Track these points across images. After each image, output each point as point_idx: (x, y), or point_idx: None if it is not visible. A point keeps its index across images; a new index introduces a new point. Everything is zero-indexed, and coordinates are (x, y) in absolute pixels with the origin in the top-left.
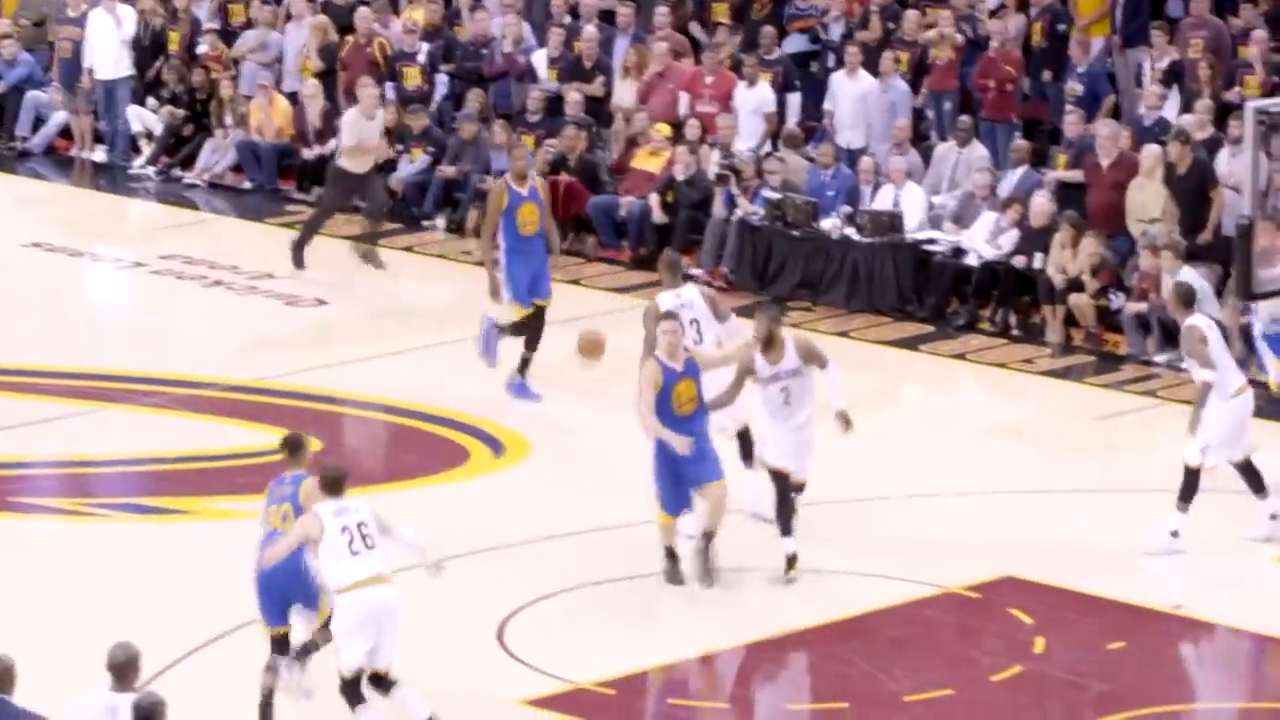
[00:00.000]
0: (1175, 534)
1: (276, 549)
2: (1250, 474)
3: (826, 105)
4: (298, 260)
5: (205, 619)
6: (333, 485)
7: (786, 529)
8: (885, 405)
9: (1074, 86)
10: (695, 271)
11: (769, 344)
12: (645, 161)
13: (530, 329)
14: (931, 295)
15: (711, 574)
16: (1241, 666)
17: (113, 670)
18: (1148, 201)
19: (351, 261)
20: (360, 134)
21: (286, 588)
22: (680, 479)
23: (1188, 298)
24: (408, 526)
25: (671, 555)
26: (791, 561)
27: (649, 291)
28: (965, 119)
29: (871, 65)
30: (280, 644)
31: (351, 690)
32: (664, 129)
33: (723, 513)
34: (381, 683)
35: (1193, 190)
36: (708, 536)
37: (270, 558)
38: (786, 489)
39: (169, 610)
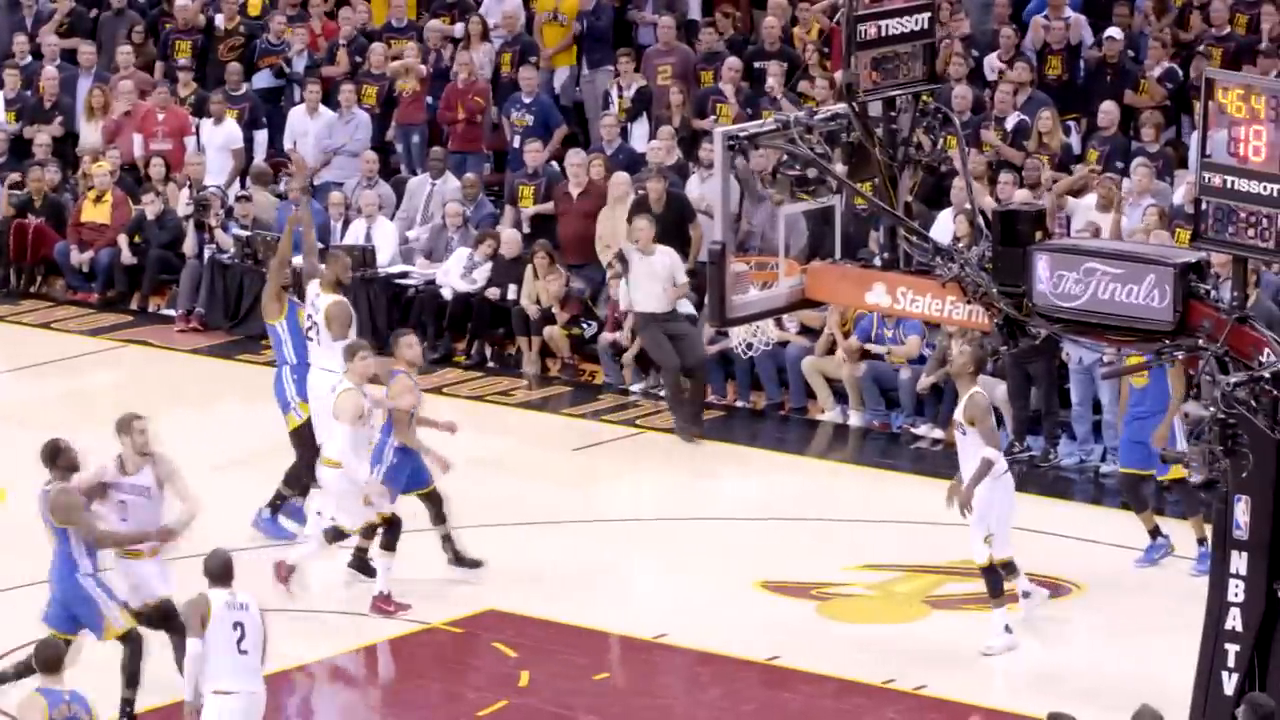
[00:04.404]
0: (1008, 628)
1: None
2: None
3: (287, 141)
4: (685, 432)
5: None
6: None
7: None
8: None
9: (522, 117)
10: (170, 312)
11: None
12: (93, 213)
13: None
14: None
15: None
16: (724, 691)
17: None
18: (616, 229)
19: None
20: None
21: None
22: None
23: (980, 363)
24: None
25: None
26: None
27: (122, 333)
28: (439, 150)
29: (337, 99)
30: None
31: None
32: (101, 166)
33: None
34: None
35: (672, 223)
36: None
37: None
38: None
39: None
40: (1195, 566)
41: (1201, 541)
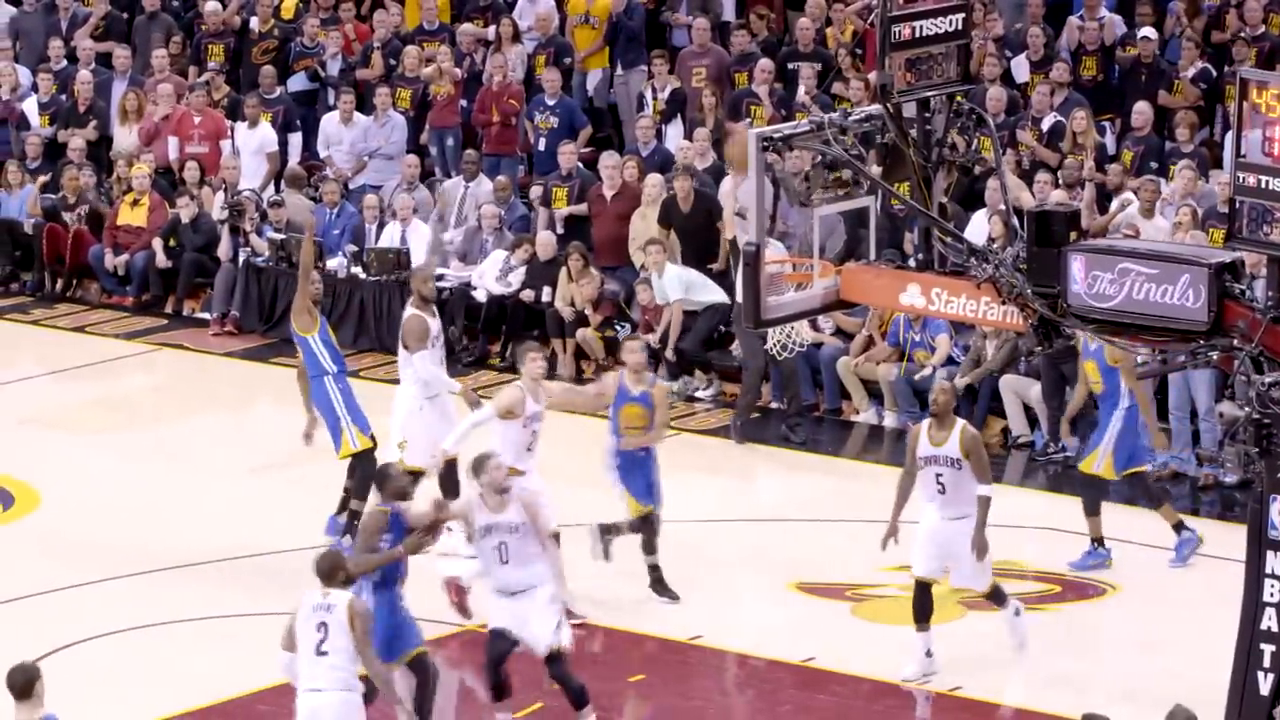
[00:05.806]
0: (1019, 612)
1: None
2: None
3: (321, 148)
4: (740, 434)
5: None
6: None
7: None
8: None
9: (546, 119)
10: (204, 316)
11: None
12: (129, 216)
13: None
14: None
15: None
16: (759, 693)
17: None
18: (650, 231)
19: None
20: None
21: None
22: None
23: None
24: None
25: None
26: None
27: (156, 337)
28: (472, 153)
29: (371, 102)
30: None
31: None
32: (140, 168)
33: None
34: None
35: (699, 222)
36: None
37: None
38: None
39: None
40: (1173, 561)
41: (1177, 528)
